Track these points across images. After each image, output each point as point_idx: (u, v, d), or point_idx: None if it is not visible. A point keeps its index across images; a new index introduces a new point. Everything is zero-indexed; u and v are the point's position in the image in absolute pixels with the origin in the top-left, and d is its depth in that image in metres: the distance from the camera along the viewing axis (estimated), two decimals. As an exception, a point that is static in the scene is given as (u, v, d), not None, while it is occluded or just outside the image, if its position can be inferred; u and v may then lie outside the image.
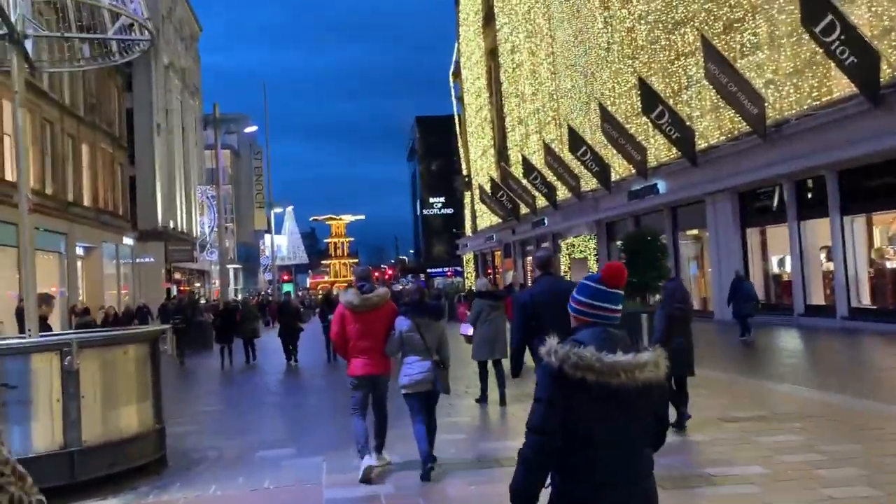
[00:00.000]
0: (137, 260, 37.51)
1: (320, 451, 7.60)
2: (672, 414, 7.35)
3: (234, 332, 18.58)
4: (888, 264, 17.22)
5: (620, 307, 2.60)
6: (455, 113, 58.59)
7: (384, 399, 6.79)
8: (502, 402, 9.98)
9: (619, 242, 30.09)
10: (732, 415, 8.33)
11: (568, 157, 31.44)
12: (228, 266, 60.60)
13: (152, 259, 38.17)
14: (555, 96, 34.87)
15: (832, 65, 17.16)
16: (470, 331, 10.99)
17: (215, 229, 35.79)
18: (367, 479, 6.25)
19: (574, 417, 2.42)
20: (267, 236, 49.18)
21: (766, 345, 16.52)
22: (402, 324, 6.44)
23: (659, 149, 25.55)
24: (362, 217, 78.16)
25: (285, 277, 67.35)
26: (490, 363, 10.42)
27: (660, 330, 7.66)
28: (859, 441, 6.79)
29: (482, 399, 10.24)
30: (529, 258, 41.97)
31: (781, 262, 21.23)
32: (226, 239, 59.53)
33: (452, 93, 58.19)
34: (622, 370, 2.37)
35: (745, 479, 5.81)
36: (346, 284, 28.18)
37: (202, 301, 36.13)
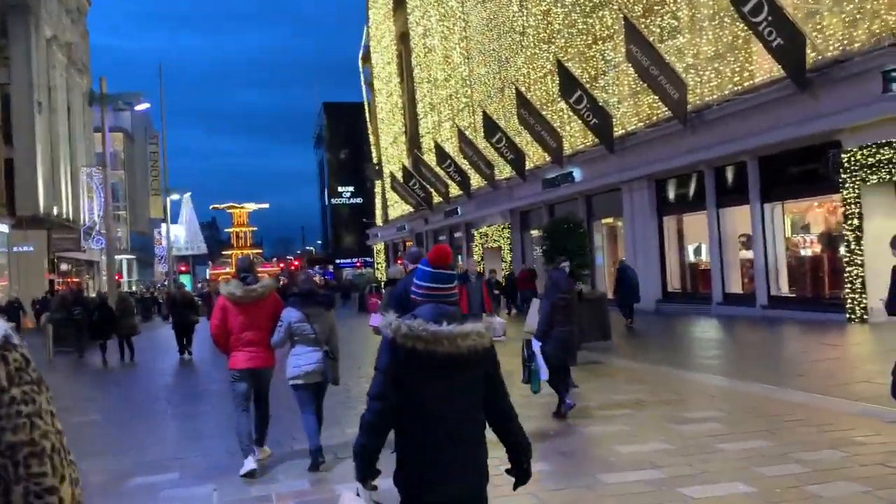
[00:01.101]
0: (15, 249, 34.26)
1: (211, 476, 6.27)
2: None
3: (111, 328, 16.78)
4: (803, 252, 17.13)
5: (450, 285, 2.84)
6: (365, 99, 57.00)
7: (267, 393, 6.67)
8: None
9: (533, 232, 29.76)
10: (635, 399, 8.42)
11: (482, 144, 30.61)
12: (121, 256, 56.96)
13: (31, 248, 34.96)
14: (468, 82, 33.97)
15: (754, 49, 16.89)
16: (380, 321, 9.78)
17: (101, 215, 32.98)
18: (250, 476, 6.12)
19: (407, 383, 2.68)
20: (163, 225, 46.25)
21: (683, 334, 16.14)
22: (292, 314, 6.30)
23: (575, 136, 25.02)
24: (266, 206, 75.09)
25: (183, 268, 63.95)
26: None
27: (542, 320, 7.75)
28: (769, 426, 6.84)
29: None
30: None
31: (698, 251, 21.04)
32: (118, 227, 55.89)
33: (362, 78, 56.59)
34: (445, 338, 2.63)
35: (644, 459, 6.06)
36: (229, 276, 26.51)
37: (92, 294, 33.32)
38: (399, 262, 42.14)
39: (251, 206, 76.22)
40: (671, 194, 21.13)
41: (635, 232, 22.03)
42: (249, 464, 6.14)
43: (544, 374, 7.84)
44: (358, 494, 2.79)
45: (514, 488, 2.90)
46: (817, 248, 16.58)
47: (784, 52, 14.50)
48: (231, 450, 6.82)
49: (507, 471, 2.87)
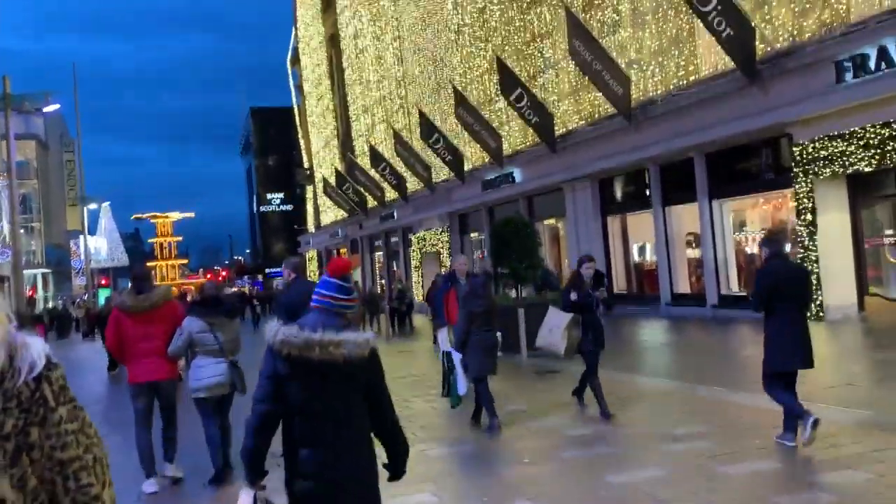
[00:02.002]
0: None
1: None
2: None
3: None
4: (753, 249, 16.81)
5: (349, 296, 2.99)
6: (294, 103, 55.33)
7: (173, 406, 6.40)
8: None
9: (472, 235, 29.00)
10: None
11: (418, 146, 29.67)
12: (34, 271, 53.60)
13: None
14: (402, 83, 33.01)
15: (699, 42, 16.49)
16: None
17: (5, 226, 30.61)
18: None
19: (286, 388, 2.81)
20: (81, 237, 43.59)
21: (636, 337, 15.56)
22: (192, 324, 6.04)
23: (515, 136, 24.37)
24: (192, 215, 72.30)
25: (104, 282, 60.77)
26: None
27: (460, 328, 7.64)
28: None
29: None
30: (378, 254, 39.94)
31: (643, 250, 20.61)
32: (31, 240, 52.58)
33: (291, 81, 54.89)
34: (317, 346, 2.74)
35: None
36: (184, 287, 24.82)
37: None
38: (356, 261, 40.18)
39: (176, 216, 73.29)
40: (615, 193, 20.64)
41: (578, 233, 21.46)
42: (150, 486, 5.95)
43: (462, 387, 7.76)
44: (255, 499, 2.85)
45: (389, 480, 3.06)
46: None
47: (733, 42, 14.07)
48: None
49: (384, 464, 3.03)
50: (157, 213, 70.39)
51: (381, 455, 3.00)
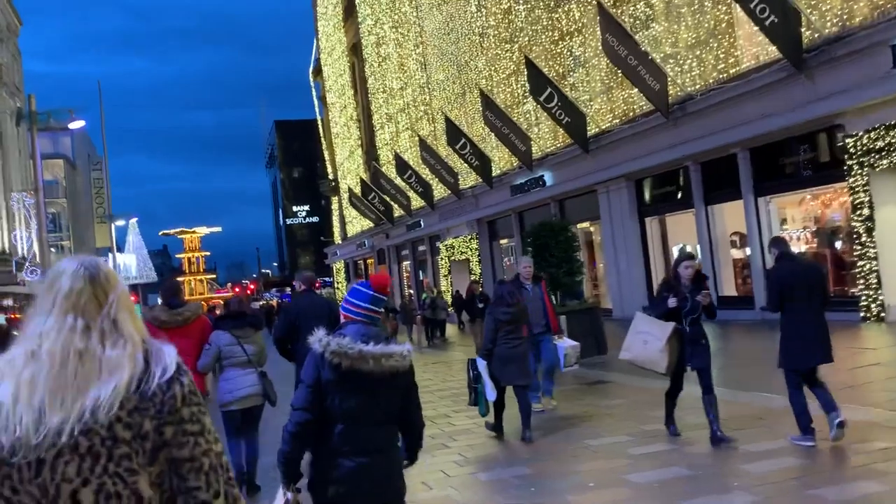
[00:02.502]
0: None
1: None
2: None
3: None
4: (803, 248, 15.98)
5: (381, 308, 3.18)
6: (317, 114, 55.22)
7: None
8: None
9: (502, 242, 28.36)
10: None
11: (444, 152, 29.17)
12: (66, 289, 53.81)
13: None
14: (426, 89, 32.56)
15: (739, 33, 15.78)
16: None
17: (35, 244, 30.60)
18: None
19: (330, 397, 2.93)
20: (110, 254, 43.68)
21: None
22: (221, 338, 6.18)
23: (544, 138, 23.75)
24: (219, 229, 72.33)
25: (133, 298, 60.88)
26: None
27: (486, 336, 7.57)
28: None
29: None
30: (406, 263, 39.45)
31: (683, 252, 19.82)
32: (60, 258, 52.95)
33: (314, 93, 54.80)
34: (371, 357, 2.88)
35: None
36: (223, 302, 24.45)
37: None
38: (383, 271, 40.02)
39: (203, 231, 73.42)
40: (653, 193, 19.91)
41: (615, 235, 20.75)
42: None
43: (491, 394, 7.44)
44: (289, 501, 2.95)
45: (404, 467, 3.22)
46: (819, 243, 15.40)
47: (778, 31, 13.36)
48: None
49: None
50: (185, 229, 70.62)
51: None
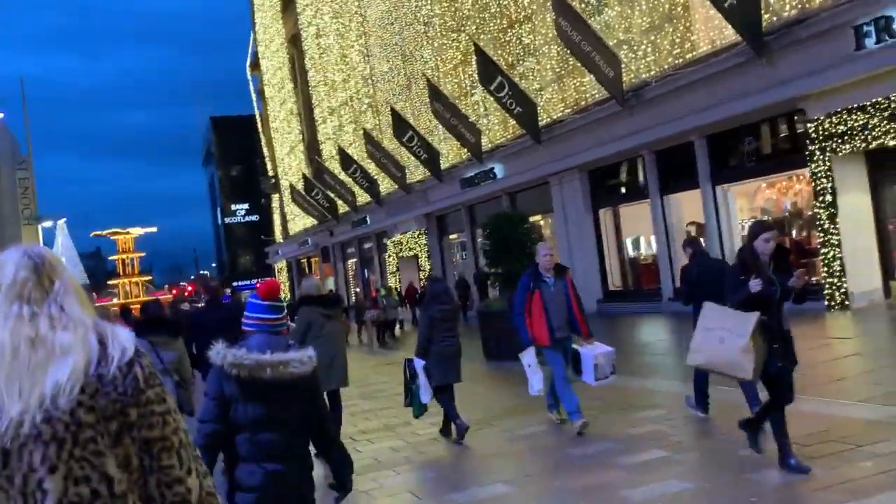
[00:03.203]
0: None
1: None
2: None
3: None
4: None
5: (277, 316, 3.16)
6: (256, 110, 53.56)
7: None
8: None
9: (451, 237, 27.66)
10: (652, 430, 5.63)
11: (390, 146, 28.31)
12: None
13: None
14: (370, 81, 31.62)
15: (695, 17, 15.41)
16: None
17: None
18: None
19: (235, 406, 2.95)
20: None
21: (633, 336, 14.41)
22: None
23: (494, 130, 23.15)
24: (154, 229, 69.27)
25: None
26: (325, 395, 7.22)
27: (421, 334, 7.40)
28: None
29: None
30: (352, 261, 38.42)
31: (637, 244, 19.49)
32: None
33: (251, 87, 53.10)
34: (269, 366, 2.90)
35: None
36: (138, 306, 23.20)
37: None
38: (315, 275, 38.90)
39: (137, 231, 70.29)
40: (607, 184, 19.48)
41: (568, 228, 20.27)
42: None
43: (426, 395, 7.24)
44: None
45: (337, 502, 3.19)
46: (780, 231, 15.13)
47: (737, 13, 12.97)
48: None
49: (330, 484, 3.20)
50: (118, 230, 67.55)
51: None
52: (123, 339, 1.60)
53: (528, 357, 7.02)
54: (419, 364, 7.31)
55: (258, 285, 3.30)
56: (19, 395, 1.48)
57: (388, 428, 8.18)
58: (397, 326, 21.78)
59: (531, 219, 22.73)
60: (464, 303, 21.26)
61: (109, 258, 73.91)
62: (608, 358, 7.06)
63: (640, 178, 17.82)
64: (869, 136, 12.01)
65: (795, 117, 13.61)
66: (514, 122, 21.14)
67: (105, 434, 1.51)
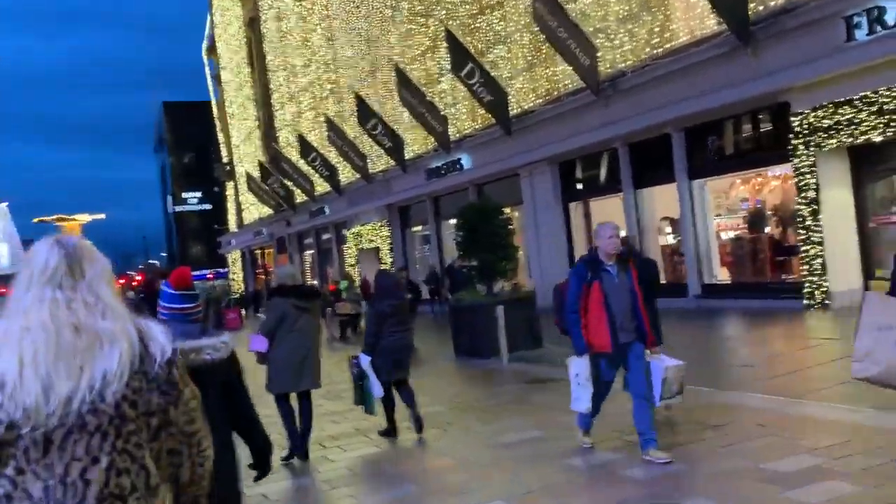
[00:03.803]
0: None
1: None
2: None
3: None
4: (740, 233, 15.43)
5: (190, 305, 3.15)
6: (211, 95, 51.92)
7: None
8: (302, 455, 6.71)
9: (414, 229, 26.89)
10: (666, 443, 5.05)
11: (352, 133, 27.43)
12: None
13: None
14: (332, 66, 30.63)
15: (676, 5, 14.97)
16: (264, 346, 6.66)
17: None
18: None
19: None
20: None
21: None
22: None
23: (462, 119, 22.47)
24: (102, 216, 67.14)
25: (2, 291, 55.72)
26: (294, 397, 6.79)
27: (368, 331, 7.23)
28: None
29: (287, 457, 6.68)
30: (309, 252, 37.40)
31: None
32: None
33: (207, 72, 51.45)
34: (179, 353, 2.74)
35: None
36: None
37: None
38: (284, 261, 37.66)
39: (84, 218, 68.01)
40: (579, 177, 18.98)
41: (538, 222, 19.73)
42: None
43: (378, 390, 7.00)
44: None
45: (255, 480, 3.25)
46: (758, 228, 14.81)
47: (723, 1, 12.53)
48: None
49: (250, 465, 3.20)
50: (63, 216, 65.14)
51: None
52: (161, 338, 1.66)
53: (580, 366, 5.60)
54: (365, 360, 7.10)
55: (172, 273, 3.26)
56: (67, 375, 1.51)
57: (360, 433, 7.45)
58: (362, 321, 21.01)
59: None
60: (434, 296, 20.54)
61: (53, 245, 70.96)
62: (677, 373, 5.96)
63: (614, 171, 17.33)
64: (856, 131, 11.67)
65: (780, 112, 13.22)
66: (483, 111, 20.52)
67: (145, 429, 1.58)
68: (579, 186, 18.96)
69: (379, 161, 26.78)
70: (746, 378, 8.49)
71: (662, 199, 16.51)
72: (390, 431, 7.13)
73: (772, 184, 14.81)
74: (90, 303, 1.59)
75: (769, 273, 14.43)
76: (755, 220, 14.87)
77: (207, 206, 78.97)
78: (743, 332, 12.59)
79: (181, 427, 1.65)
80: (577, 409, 5.85)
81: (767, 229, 14.77)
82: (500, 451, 6.27)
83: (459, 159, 22.14)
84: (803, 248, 12.65)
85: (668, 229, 16.75)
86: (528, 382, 9.63)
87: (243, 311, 34.37)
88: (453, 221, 24.46)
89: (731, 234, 15.38)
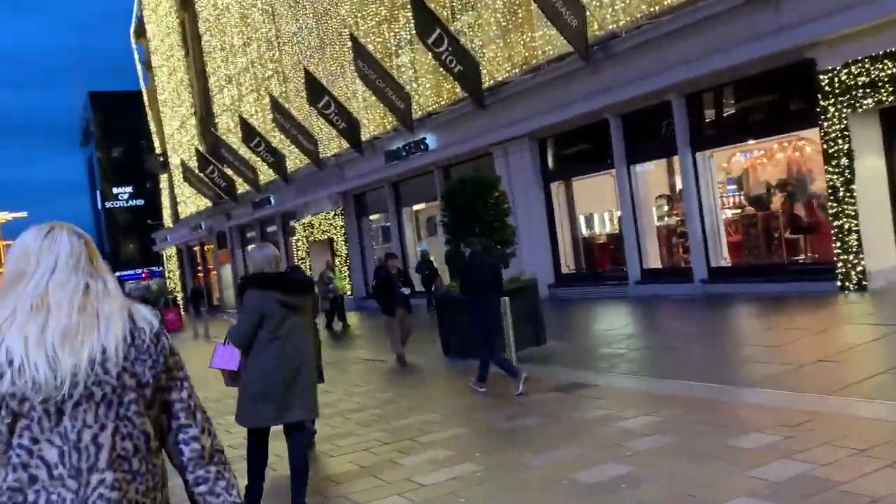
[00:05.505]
0: None
1: None
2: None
3: None
4: (753, 210, 14.02)
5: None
6: (141, 82, 48.59)
7: None
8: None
9: (372, 217, 24.86)
10: None
11: (300, 115, 25.25)
12: None
13: None
14: (276, 43, 28.28)
15: (677, -44, 13.38)
16: (235, 362, 4.77)
17: None
18: None
19: None
20: None
21: (600, 323, 12.32)
22: None
23: (426, 95, 20.58)
24: (24, 215, 62.71)
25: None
26: (280, 431, 4.92)
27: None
28: None
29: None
30: (251, 246, 34.85)
31: (597, 221, 17.49)
32: None
33: (136, 57, 48.09)
34: None
35: None
36: None
37: None
38: (260, 246, 35.42)
39: (5, 216, 63.57)
40: (562, 154, 17.31)
41: (515, 204, 17.79)
42: None
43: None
44: None
45: None
46: (778, 203, 13.34)
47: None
48: None
49: None
50: (-21, 214, 60.60)
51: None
52: (147, 314, 1.76)
53: None
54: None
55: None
56: (71, 351, 1.62)
57: (366, 471, 5.54)
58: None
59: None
60: (429, 287, 18.55)
61: (-30, 246, 66.09)
62: None
63: (603, 145, 15.70)
64: (896, 89, 10.28)
65: (805, 69, 11.76)
66: (451, 85, 18.72)
67: (142, 397, 1.70)
68: (563, 164, 17.28)
69: (331, 144, 24.68)
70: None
71: (656, 176, 15.00)
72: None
73: (790, 153, 13.43)
74: (100, 288, 1.72)
75: (786, 253, 13.02)
76: (767, 195, 13.46)
77: (139, 202, 74.94)
78: (808, 322, 11.08)
79: (165, 394, 1.74)
80: None
81: (803, 203, 13.24)
82: (587, 499, 4.46)
83: (424, 139, 20.25)
84: (836, 224, 11.23)
85: (666, 208, 15.23)
86: (553, 390, 7.87)
87: (182, 312, 31.81)
88: (417, 207, 22.68)
89: (741, 211, 13.95)
